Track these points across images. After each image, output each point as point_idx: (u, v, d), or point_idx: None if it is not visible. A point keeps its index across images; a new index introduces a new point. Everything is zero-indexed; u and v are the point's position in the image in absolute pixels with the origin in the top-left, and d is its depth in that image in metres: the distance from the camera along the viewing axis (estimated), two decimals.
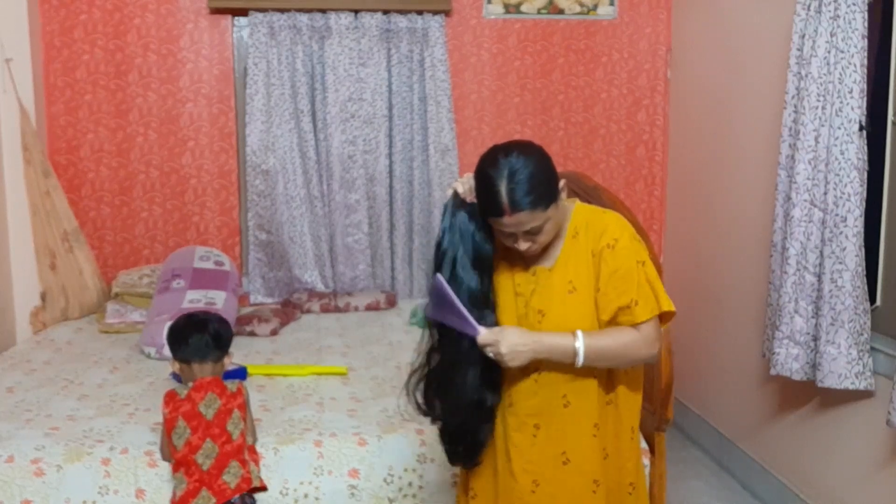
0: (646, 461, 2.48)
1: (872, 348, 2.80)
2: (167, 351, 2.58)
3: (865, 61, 2.70)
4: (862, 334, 2.77)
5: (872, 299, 2.85)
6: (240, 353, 3.35)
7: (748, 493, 3.62)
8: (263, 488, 2.38)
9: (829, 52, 2.77)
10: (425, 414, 1.96)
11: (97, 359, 3.39)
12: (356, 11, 4.24)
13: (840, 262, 2.75)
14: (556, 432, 1.91)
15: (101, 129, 4.28)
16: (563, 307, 1.86)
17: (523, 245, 1.83)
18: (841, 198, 2.74)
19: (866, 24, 2.69)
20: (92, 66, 4.23)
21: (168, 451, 2.34)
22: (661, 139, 4.64)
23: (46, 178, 3.96)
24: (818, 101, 2.81)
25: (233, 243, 4.43)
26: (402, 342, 3.56)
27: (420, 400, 1.95)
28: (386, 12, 4.27)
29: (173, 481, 2.32)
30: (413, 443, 2.52)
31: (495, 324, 1.87)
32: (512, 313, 1.91)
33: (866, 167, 2.75)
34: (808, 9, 2.85)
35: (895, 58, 2.80)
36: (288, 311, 4.04)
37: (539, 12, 4.48)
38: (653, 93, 4.61)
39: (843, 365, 2.78)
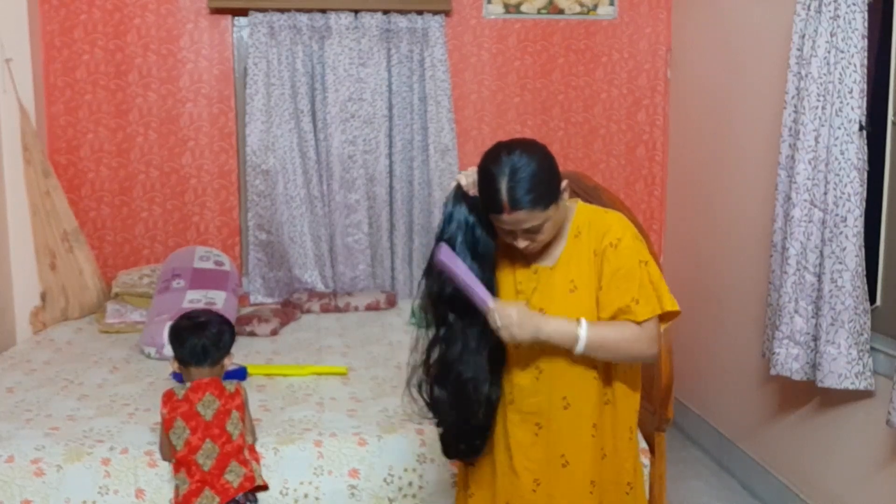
0: (646, 461, 2.48)
1: (872, 348, 2.80)
2: (167, 351, 2.58)
3: (865, 61, 2.70)
4: (862, 334, 2.77)
5: (872, 299, 2.85)
6: (240, 353, 3.35)
7: (748, 493, 3.62)
8: (265, 487, 2.38)
9: (829, 52, 2.77)
10: (429, 409, 1.96)
11: (97, 359, 3.39)
12: (356, 11, 4.24)
13: (840, 262, 2.75)
14: (556, 434, 1.91)
15: (101, 129, 4.28)
16: (564, 306, 1.87)
17: (522, 243, 1.83)
18: (841, 198, 2.74)
19: (866, 24, 2.69)
20: (92, 66, 4.23)
21: (168, 451, 2.35)
22: (661, 139, 4.64)
23: (46, 178, 3.96)
24: (818, 101, 2.81)
25: (233, 243, 4.43)
26: (402, 342, 3.55)
27: (426, 396, 1.95)
28: (386, 12, 4.27)
29: (175, 481, 2.32)
30: (413, 443, 2.52)
31: None
32: None
33: (866, 167, 2.75)
34: (808, 9, 2.85)
35: (895, 58, 2.80)
36: (288, 311, 4.04)
37: (539, 12, 4.48)
38: (653, 93, 4.61)
39: (843, 365, 2.78)
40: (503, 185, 1.75)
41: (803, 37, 2.89)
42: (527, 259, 1.92)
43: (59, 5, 4.17)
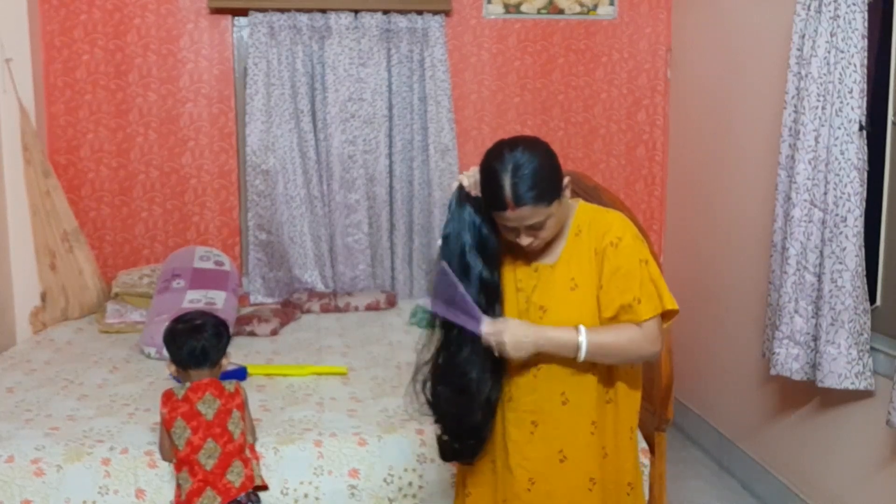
0: (646, 461, 2.48)
1: (872, 348, 2.80)
2: (167, 351, 2.57)
3: (865, 61, 2.70)
4: (862, 334, 2.77)
5: (872, 299, 2.85)
6: (240, 353, 3.36)
7: (748, 493, 3.62)
8: (265, 487, 2.38)
9: (829, 52, 2.77)
10: (429, 406, 1.96)
11: (97, 359, 3.39)
12: (356, 11, 4.24)
13: (840, 262, 2.75)
14: (554, 430, 1.91)
15: (101, 129, 4.28)
16: (564, 304, 1.87)
17: (525, 240, 1.84)
18: (841, 198, 2.74)
19: (866, 24, 2.69)
20: (92, 66, 4.23)
21: (168, 451, 2.35)
22: (661, 139, 4.64)
23: (46, 178, 3.96)
24: (818, 101, 2.81)
25: (233, 243, 4.43)
26: (402, 342, 3.56)
27: (427, 393, 1.95)
28: (386, 12, 4.27)
29: (176, 480, 2.32)
30: (413, 443, 2.52)
31: (501, 316, 1.88)
32: (513, 308, 1.92)
33: (866, 167, 2.75)
34: (808, 9, 2.85)
35: (895, 58, 2.80)
36: (288, 311, 4.04)
37: (539, 12, 4.48)
38: (653, 93, 4.61)
39: (843, 365, 2.78)
40: (507, 182, 1.76)
41: (803, 37, 2.89)
42: (527, 257, 1.93)
43: (59, 5, 4.17)
